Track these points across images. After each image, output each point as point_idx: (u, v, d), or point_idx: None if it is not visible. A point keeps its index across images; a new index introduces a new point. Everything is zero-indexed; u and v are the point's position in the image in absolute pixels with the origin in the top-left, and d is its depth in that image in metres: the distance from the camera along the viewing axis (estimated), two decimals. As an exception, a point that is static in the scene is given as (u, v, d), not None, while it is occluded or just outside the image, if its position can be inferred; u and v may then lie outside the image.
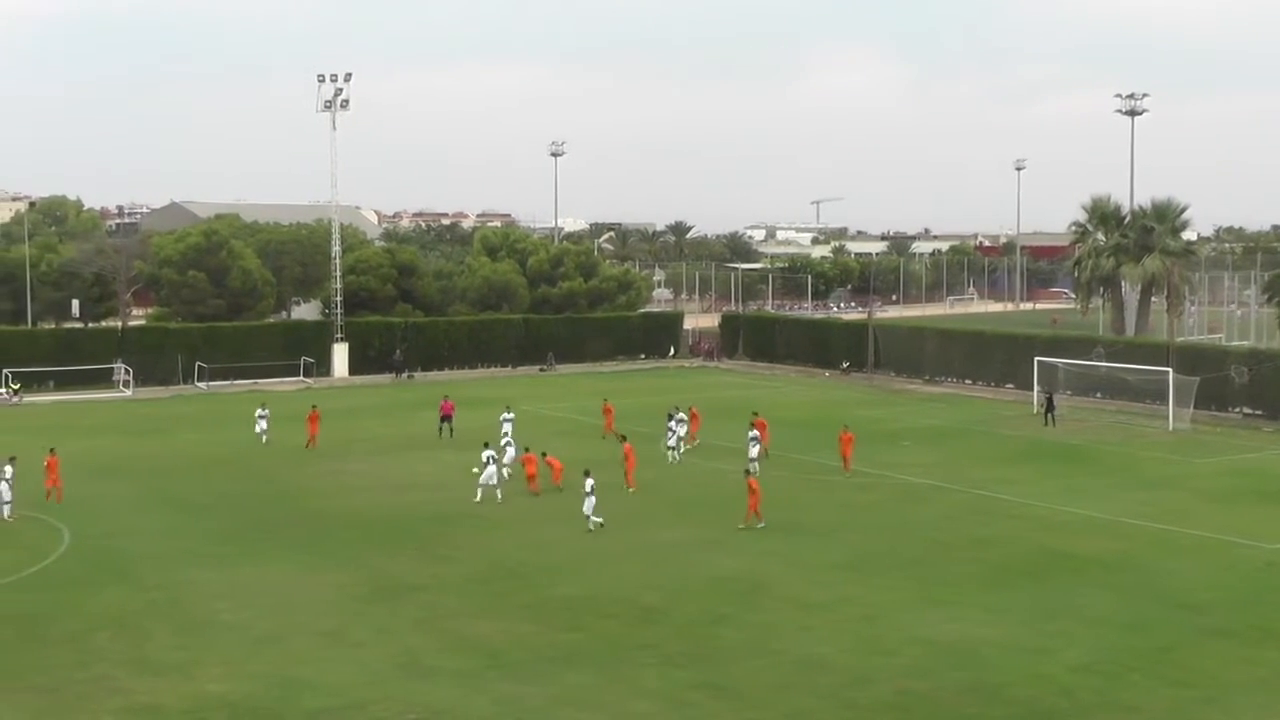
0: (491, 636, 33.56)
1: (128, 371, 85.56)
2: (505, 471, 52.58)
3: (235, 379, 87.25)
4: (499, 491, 50.17)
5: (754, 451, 55.23)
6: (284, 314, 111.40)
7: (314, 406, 64.79)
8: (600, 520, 44.66)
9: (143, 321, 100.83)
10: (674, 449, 59.39)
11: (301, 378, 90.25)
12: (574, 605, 36.47)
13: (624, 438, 56.98)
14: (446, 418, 66.14)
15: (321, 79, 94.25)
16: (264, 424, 64.96)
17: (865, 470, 56.70)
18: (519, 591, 37.90)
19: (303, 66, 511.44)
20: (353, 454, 60.47)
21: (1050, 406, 71.29)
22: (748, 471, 48.37)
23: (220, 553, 42.52)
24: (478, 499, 49.74)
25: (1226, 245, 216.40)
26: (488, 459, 50.65)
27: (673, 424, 60.28)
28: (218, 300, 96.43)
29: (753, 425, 58.07)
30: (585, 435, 65.03)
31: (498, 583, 38.84)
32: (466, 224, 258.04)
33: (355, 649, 32.58)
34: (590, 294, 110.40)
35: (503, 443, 56.69)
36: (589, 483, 45.06)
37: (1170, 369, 72.42)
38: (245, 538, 44.81)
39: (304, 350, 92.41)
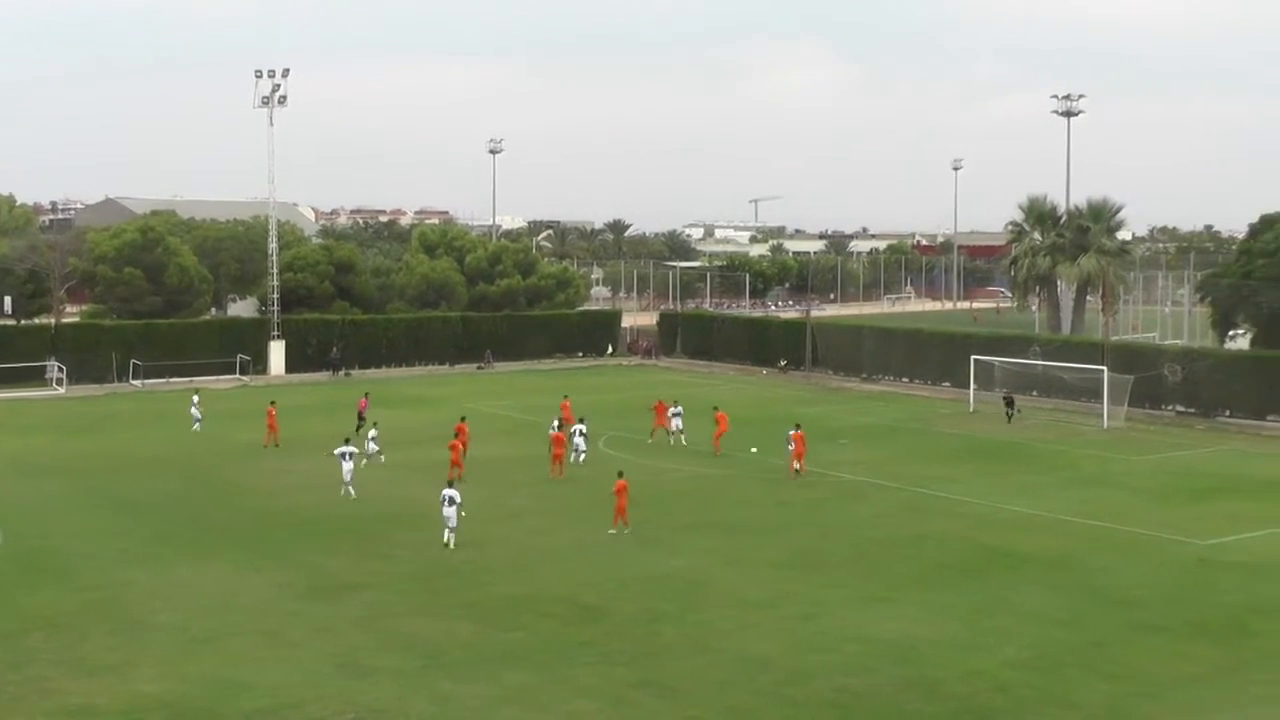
0: (431, 635, 33.48)
1: (61, 369, 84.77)
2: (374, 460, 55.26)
3: (171, 377, 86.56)
4: (351, 489, 49.98)
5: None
6: (218, 311, 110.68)
7: (272, 403, 64.63)
8: (454, 529, 42.96)
9: (77, 319, 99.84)
10: (681, 433, 62.85)
11: (238, 375, 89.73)
12: (514, 604, 36.43)
13: (560, 427, 57.29)
14: (361, 415, 66.33)
15: (259, 74, 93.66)
16: (198, 412, 65.57)
17: (799, 468, 56.83)
18: (458, 590, 37.82)
19: (240, 61, 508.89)
20: (291, 452, 60.15)
21: (1011, 404, 71.74)
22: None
23: (157, 552, 42.21)
24: (351, 495, 49.86)
25: (1161, 245, 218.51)
26: (344, 454, 50.47)
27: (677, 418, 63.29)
28: (154, 297, 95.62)
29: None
30: (525, 433, 64.95)
31: (437, 581, 38.75)
32: (404, 221, 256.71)
33: (293, 648, 32.43)
34: (528, 292, 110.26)
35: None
36: (451, 493, 43.08)
37: (1105, 367, 73.08)
38: (182, 537, 44.49)
39: (241, 348, 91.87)
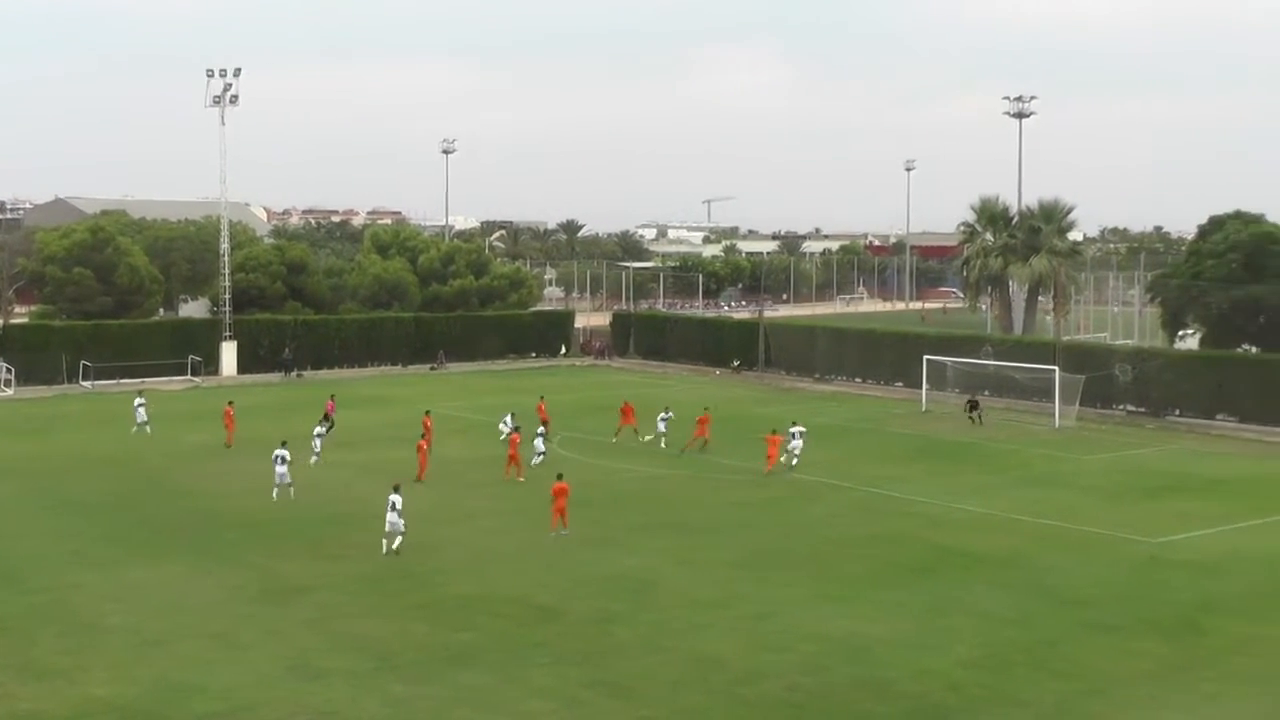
0: (383, 637, 33.38)
1: (9, 370, 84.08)
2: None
3: (121, 378, 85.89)
4: (291, 490, 49.63)
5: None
6: (169, 312, 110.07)
7: (230, 403, 64.35)
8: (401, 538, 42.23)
9: (26, 320, 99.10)
10: (662, 436, 62.83)
11: (189, 376, 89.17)
12: (467, 604, 36.38)
13: (517, 429, 57.22)
14: (327, 416, 65.89)
15: (210, 74, 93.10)
16: (143, 414, 64.90)
17: (756, 469, 56.98)
18: (411, 591, 37.72)
19: (191, 60, 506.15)
20: (243, 454, 59.83)
21: (974, 406, 71.60)
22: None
23: (107, 554, 41.93)
24: (288, 497, 49.54)
25: (1111, 246, 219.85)
26: (277, 458, 50.04)
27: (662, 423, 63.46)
28: (104, 298, 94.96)
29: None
30: (479, 434, 64.83)
31: (389, 582, 38.64)
32: (357, 221, 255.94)
33: (245, 651, 32.27)
34: (481, 292, 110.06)
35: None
36: (395, 499, 42.42)
37: (1057, 367, 73.53)
38: (133, 539, 44.21)
39: (192, 349, 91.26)
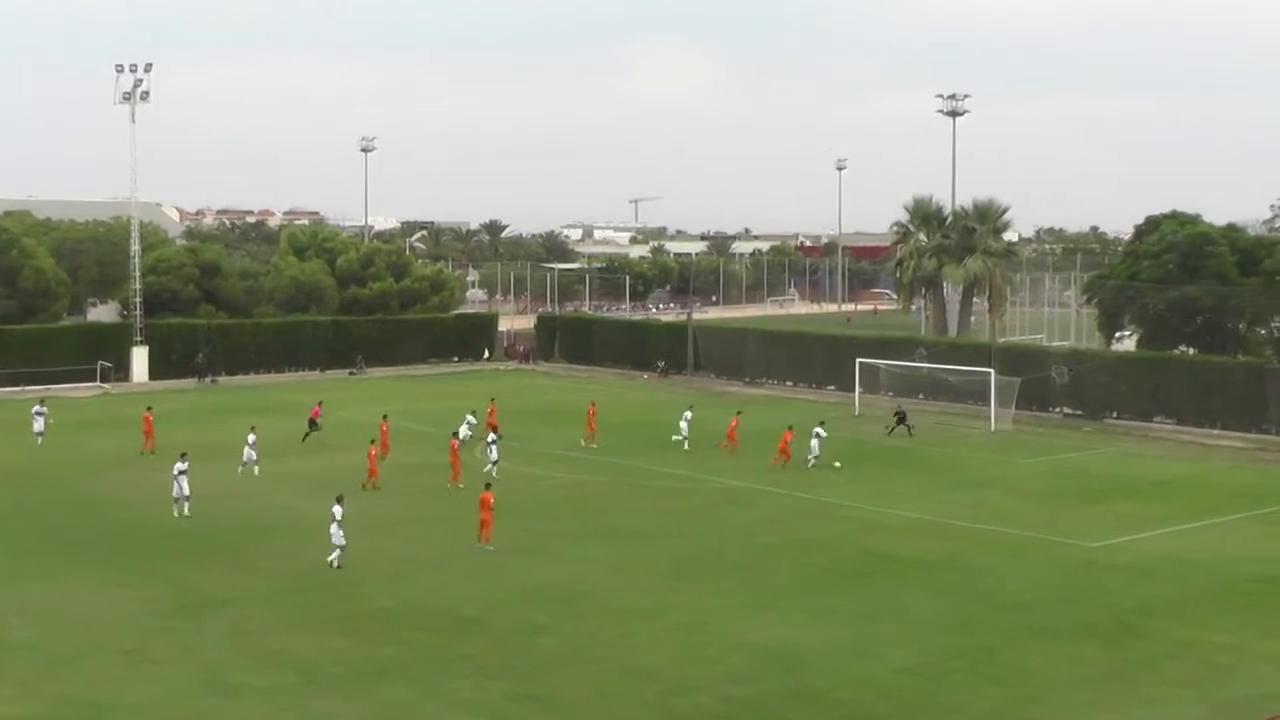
0: (303, 651, 33.22)
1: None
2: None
3: (27, 384, 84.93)
4: (187, 505, 48.37)
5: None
6: (77, 316, 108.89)
7: (148, 409, 63.82)
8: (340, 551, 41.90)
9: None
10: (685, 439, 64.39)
11: (99, 383, 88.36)
12: (389, 617, 36.27)
13: (456, 434, 57.09)
14: (313, 422, 66.28)
15: (120, 69, 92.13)
16: (41, 423, 64.06)
17: (686, 474, 57.16)
18: (332, 604, 37.55)
19: (99, 56, 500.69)
20: (155, 462, 59.36)
21: (902, 419, 70.20)
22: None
23: (13, 568, 41.46)
24: (183, 513, 48.45)
25: (1047, 246, 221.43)
26: (177, 472, 48.92)
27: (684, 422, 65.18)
28: (8, 301, 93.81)
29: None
30: (401, 440, 64.54)
31: (309, 595, 38.47)
32: (273, 222, 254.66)
33: (157, 667, 32.02)
34: (402, 295, 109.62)
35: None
36: (337, 510, 42.03)
37: (992, 370, 74.11)
38: (39, 552, 43.77)
39: (101, 354, 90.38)
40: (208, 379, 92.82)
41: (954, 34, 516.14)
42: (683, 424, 64.89)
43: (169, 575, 40.63)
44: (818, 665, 32.24)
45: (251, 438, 57.67)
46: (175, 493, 48.72)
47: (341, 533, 41.25)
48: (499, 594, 38.48)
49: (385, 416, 62.20)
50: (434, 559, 42.70)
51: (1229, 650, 33.96)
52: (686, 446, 63.62)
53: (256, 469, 56.48)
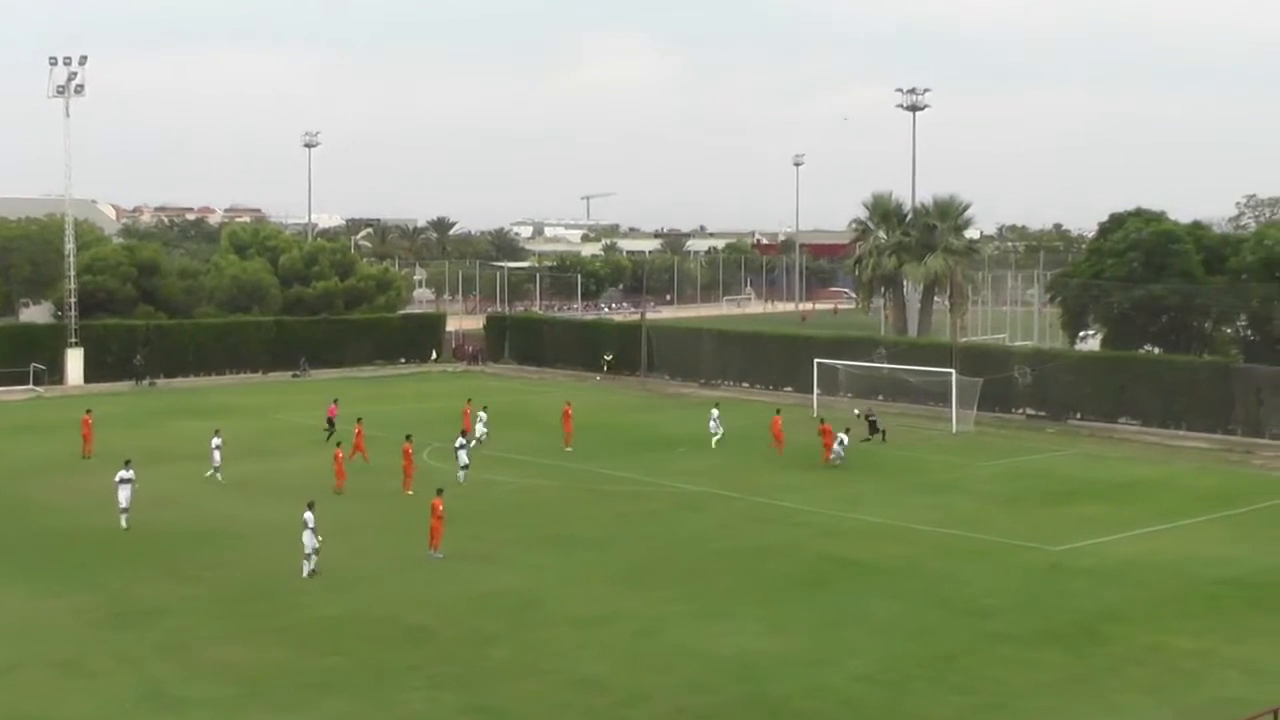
0: (244, 663, 33.07)
1: None
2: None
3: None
4: (125, 517, 47.60)
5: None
6: (10, 316, 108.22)
7: (87, 411, 63.48)
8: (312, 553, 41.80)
9: None
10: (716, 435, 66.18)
11: (31, 386, 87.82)
12: (333, 627, 36.15)
13: (409, 436, 56.88)
14: (330, 421, 67.06)
15: (54, 61, 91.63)
16: None
17: (639, 478, 57.19)
18: (274, 613, 37.41)
19: (32, 48, 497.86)
20: (93, 467, 59.04)
21: (874, 427, 69.35)
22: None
23: (-58, 578, 41.23)
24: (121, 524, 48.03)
25: (1010, 244, 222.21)
26: (120, 480, 48.22)
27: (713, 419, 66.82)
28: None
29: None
30: (345, 445, 64.31)
31: (250, 604, 38.30)
32: (213, 220, 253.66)
33: (93, 679, 31.83)
34: (347, 294, 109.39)
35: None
36: (309, 516, 41.91)
37: (954, 370, 74.36)
38: (-30, 561, 43.51)
39: (34, 356, 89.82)
40: (145, 381, 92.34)
41: (914, 27, 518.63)
42: (712, 423, 66.24)
43: (105, 584, 40.40)
44: (775, 674, 32.28)
45: (216, 441, 57.25)
46: (122, 503, 47.97)
47: (315, 540, 41.07)
48: (448, 602, 38.41)
49: (360, 419, 61.83)
50: (380, 566, 42.57)
51: (1194, 655, 34.16)
52: (714, 444, 65.42)
53: (219, 475, 56.06)
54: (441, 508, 43.87)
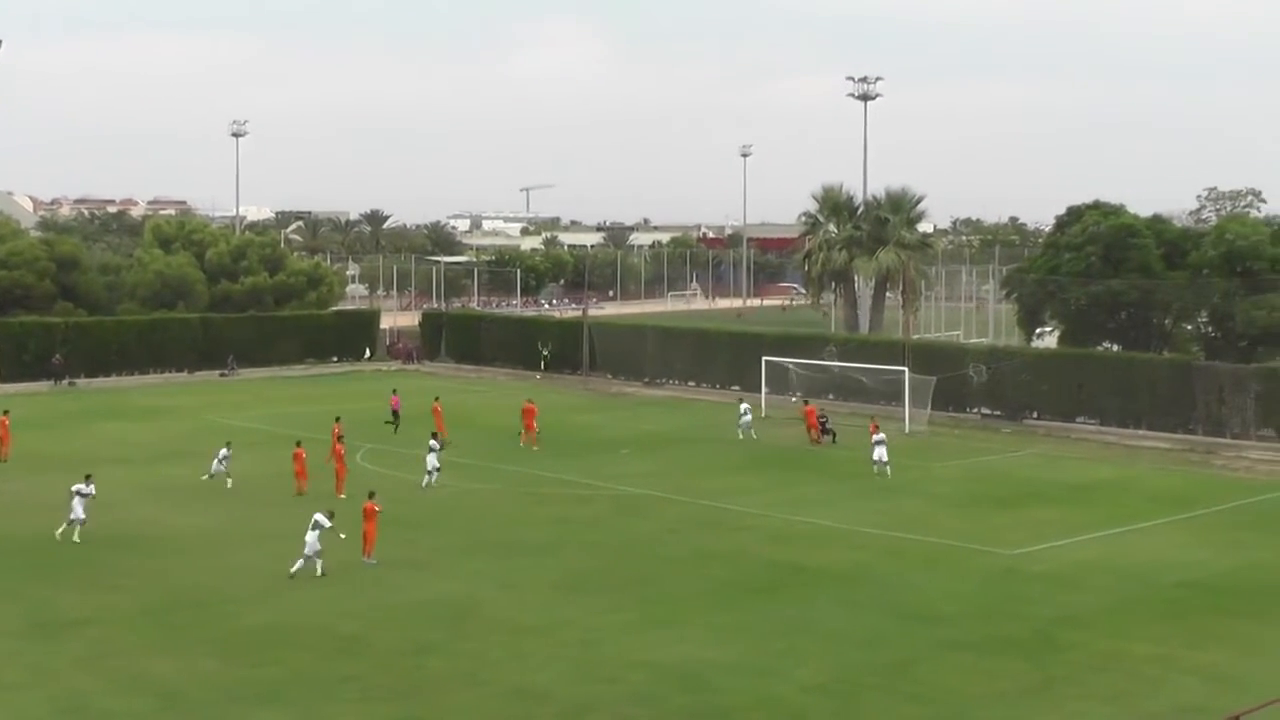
0: (170, 675, 32.88)
1: None
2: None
3: None
4: (78, 530, 46.73)
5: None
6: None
7: (4, 412, 62.97)
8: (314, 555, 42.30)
9: None
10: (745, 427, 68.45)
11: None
12: (264, 637, 36.00)
13: (340, 438, 56.76)
14: (395, 413, 68.97)
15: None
16: None
17: (581, 481, 57.20)
18: (201, 624, 37.23)
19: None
20: (7, 472, 58.62)
21: (824, 426, 69.43)
22: None
23: None
24: (60, 535, 47.13)
25: (964, 238, 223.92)
26: (79, 491, 47.14)
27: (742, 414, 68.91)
28: None
29: None
30: (274, 446, 64.09)
31: (176, 614, 38.11)
32: (136, 212, 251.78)
33: (9, 693, 31.58)
34: (277, 290, 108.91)
35: None
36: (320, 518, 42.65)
37: (906, 368, 74.58)
38: (-121, 570, 43.11)
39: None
40: (64, 382, 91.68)
41: (866, 15, 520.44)
42: (745, 417, 67.93)
43: (21, 593, 40.12)
44: (722, 684, 32.32)
45: (224, 452, 56.75)
46: (72, 515, 46.78)
47: (319, 543, 41.64)
48: (383, 611, 38.32)
49: (338, 419, 61.87)
50: (313, 574, 42.40)
51: (1154, 661, 34.43)
52: (750, 435, 67.77)
53: (229, 480, 55.88)
54: (373, 511, 43.80)
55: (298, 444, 55.41)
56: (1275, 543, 47.94)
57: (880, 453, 59.16)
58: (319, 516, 42.08)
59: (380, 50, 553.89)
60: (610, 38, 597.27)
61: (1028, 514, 52.33)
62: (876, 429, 60.89)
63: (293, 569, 41.50)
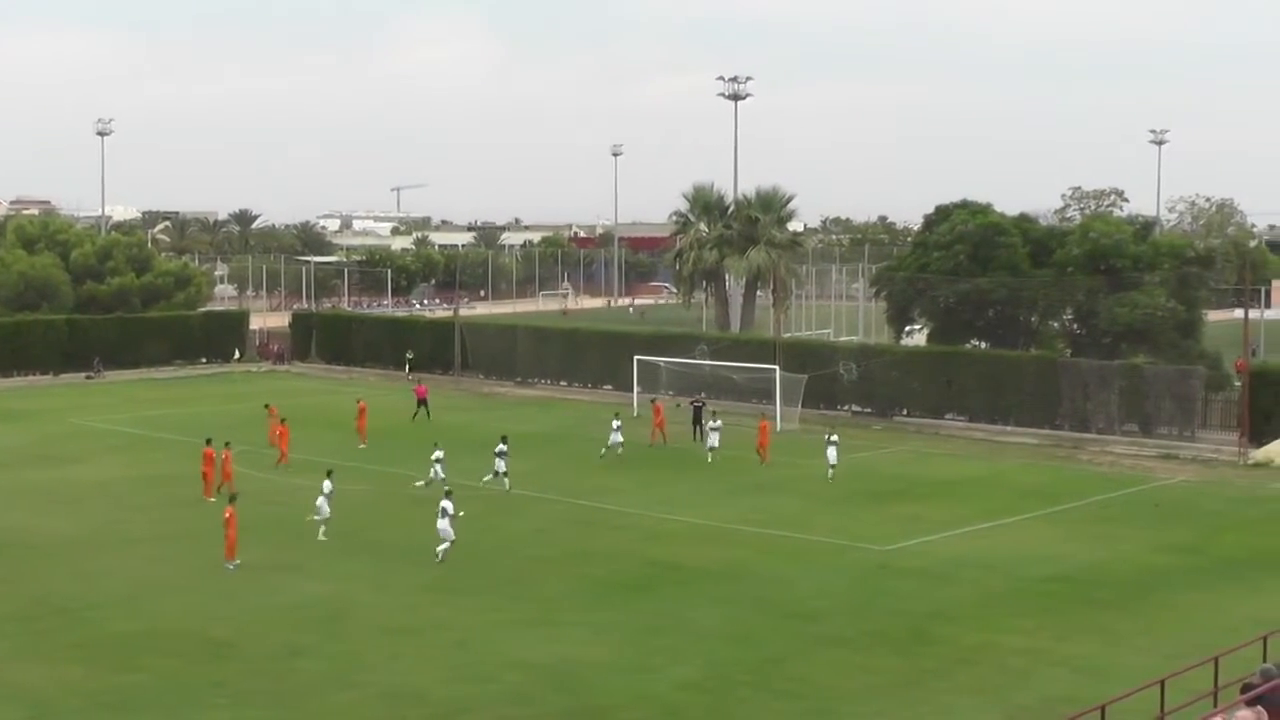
0: (34, 683, 32.37)
1: None
2: None
3: None
4: None
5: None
6: None
7: None
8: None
9: None
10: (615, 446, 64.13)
11: None
12: (131, 642, 35.53)
13: (228, 444, 56.04)
14: (422, 401, 71.05)
15: None
16: None
17: (454, 482, 56.83)
18: (66, 629, 36.70)
19: None
20: None
21: (699, 417, 69.09)
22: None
23: None
24: None
25: (834, 237, 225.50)
26: None
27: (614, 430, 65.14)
28: None
29: None
30: (143, 449, 63.34)
31: (40, 620, 37.53)
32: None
33: None
34: (144, 291, 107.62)
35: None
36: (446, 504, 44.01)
37: (777, 367, 75.00)
38: None
39: None
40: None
41: (735, 15, 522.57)
42: (617, 435, 64.79)
43: (-118, 602, 39.37)
44: (597, 683, 32.37)
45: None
46: None
47: (452, 530, 43.64)
48: (253, 614, 37.95)
49: (271, 407, 64.60)
50: (179, 578, 41.91)
51: (1024, 653, 34.90)
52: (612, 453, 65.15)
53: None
54: (230, 514, 43.28)
55: (207, 442, 54.52)
56: (1140, 535, 48.77)
57: (832, 454, 58.92)
58: (445, 504, 43.86)
59: (252, 49, 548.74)
60: (484, 37, 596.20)
61: (899, 510, 52.81)
62: (831, 430, 61.54)
63: (439, 556, 43.06)
